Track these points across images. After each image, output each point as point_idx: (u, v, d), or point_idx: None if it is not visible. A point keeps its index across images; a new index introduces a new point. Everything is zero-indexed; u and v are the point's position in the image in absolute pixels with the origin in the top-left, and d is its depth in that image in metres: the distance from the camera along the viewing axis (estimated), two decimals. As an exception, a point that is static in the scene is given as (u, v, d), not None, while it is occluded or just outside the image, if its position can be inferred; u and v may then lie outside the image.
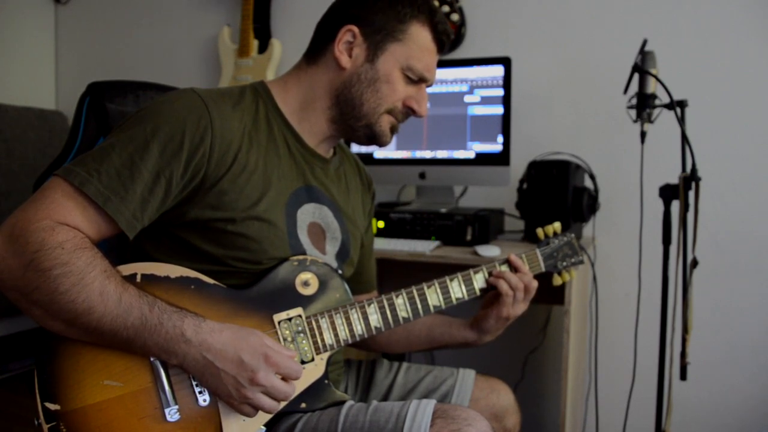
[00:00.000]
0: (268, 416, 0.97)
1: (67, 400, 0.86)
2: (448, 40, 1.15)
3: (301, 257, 1.07)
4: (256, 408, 0.92)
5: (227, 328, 0.92)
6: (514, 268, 1.22)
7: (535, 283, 1.21)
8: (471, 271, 1.19)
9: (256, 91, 1.09)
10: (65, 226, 0.86)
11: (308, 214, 1.11)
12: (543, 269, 1.27)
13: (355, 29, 1.07)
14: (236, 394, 0.90)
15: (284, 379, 0.93)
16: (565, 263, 1.29)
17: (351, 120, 1.11)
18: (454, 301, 1.17)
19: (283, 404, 0.96)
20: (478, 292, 1.19)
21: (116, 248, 1.07)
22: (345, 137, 1.17)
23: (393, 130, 1.15)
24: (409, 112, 1.14)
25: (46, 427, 0.85)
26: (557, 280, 1.29)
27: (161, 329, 0.87)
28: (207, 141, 0.96)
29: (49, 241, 0.83)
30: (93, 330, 0.86)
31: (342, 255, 1.17)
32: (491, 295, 1.22)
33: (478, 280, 1.19)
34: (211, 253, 1.00)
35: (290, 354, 0.95)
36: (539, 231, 1.28)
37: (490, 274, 1.20)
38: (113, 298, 0.85)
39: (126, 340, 0.87)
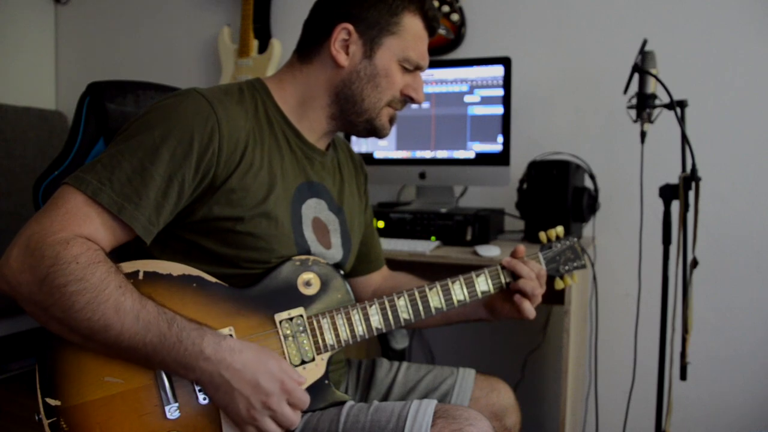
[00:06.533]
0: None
1: (67, 396, 0.86)
2: (438, 25, 1.16)
3: (303, 257, 1.07)
4: (260, 431, 0.93)
5: (247, 349, 0.92)
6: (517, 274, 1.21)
7: (543, 270, 1.22)
8: (473, 274, 1.19)
9: (254, 88, 1.10)
10: (80, 238, 0.86)
11: (311, 209, 1.12)
12: (545, 273, 1.27)
13: (350, 27, 1.07)
14: (246, 415, 0.90)
15: (292, 406, 0.94)
16: (567, 267, 1.29)
17: (352, 116, 1.11)
18: (456, 304, 1.17)
19: None
20: (479, 295, 1.19)
21: (116, 249, 1.07)
22: (345, 131, 1.17)
23: (392, 121, 1.16)
24: (407, 100, 1.15)
25: (46, 422, 0.85)
26: (559, 284, 1.29)
27: (180, 347, 0.87)
28: (215, 141, 0.96)
29: (63, 255, 0.83)
30: (111, 346, 0.86)
31: (345, 246, 1.19)
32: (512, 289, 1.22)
33: (480, 283, 1.19)
34: (220, 253, 1.00)
35: (302, 380, 0.96)
36: (542, 235, 1.27)
37: (493, 276, 1.20)
38: (130, 315, 0.85)
39: (144, 356, 0.87)
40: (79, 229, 0.87)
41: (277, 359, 0.94)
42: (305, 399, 0.95)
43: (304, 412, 1.03)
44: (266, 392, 0.90)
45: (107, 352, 0.88)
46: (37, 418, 0.86)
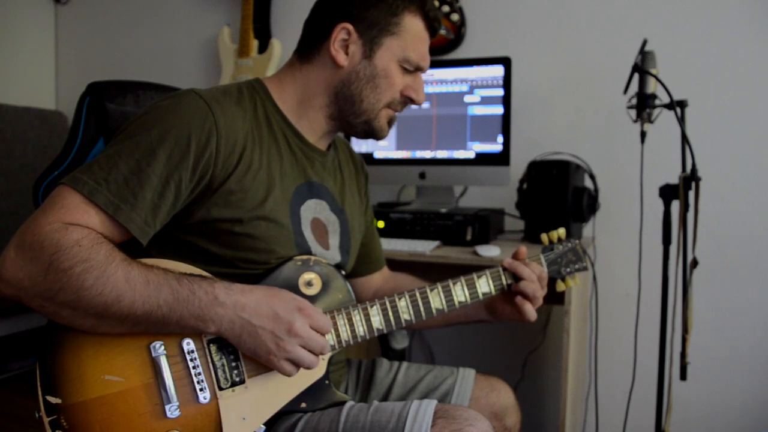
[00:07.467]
0: (268, 415, 0.98)
1: (68, 393, 0.86)
2: (440, 25, 1.15)
3: (304, 257, 1.07)
4: (297, 363, 0.93)
5: (257, 288, 0.94)
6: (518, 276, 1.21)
7: (545, 272, 1.22)
8: (474, 275, 1.19)
9: (253, 88, 1.09)
10: (77, 225, 0.86)
11: (311, 210, 1.11)
12: (546, 275, 1.27)
13: (350, 26, 1.07)
14: (276, 349, 0.91)
15: (317, 331, 0.95)
16: (568, 269, 1.28)
17: (350, 116, 1.11)
18: (457, 305, 1.17)
19: (318, 362, 0.96)
20: (480, 296, 1.19)
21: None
22: (343, 132, 1.17)
23: (390, 123, 1.16)
24: (407, 101, 1.15)
25: (46, 420, 0.85)
26: (560, 286, 1.28)
27: (194, 298, 0.88)
28: (213, 142, 0.96)
29: (64, 240, 0.83)
30: (126, 317, 0.86)
31: (344, 247, 1.18)
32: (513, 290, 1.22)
33: (481, 284, 1.19)
34: (219, 254, 1.00)
35: (318, 309, 0.97)
36: (544, 236, 1.27)
37: (494, 277, 1.20)
38: (140, 281, 0.86)
39: (162, 318, 0.87)
40: (76, 221, 0.87)
41: (287, 291, 0.96)
42: (327, 321, 0.96)
43: (304, 411, 1.03)
44: (287, 320, 0.91)
45: (122, 327, 0.87)
46: (37, 415, 0.86)
